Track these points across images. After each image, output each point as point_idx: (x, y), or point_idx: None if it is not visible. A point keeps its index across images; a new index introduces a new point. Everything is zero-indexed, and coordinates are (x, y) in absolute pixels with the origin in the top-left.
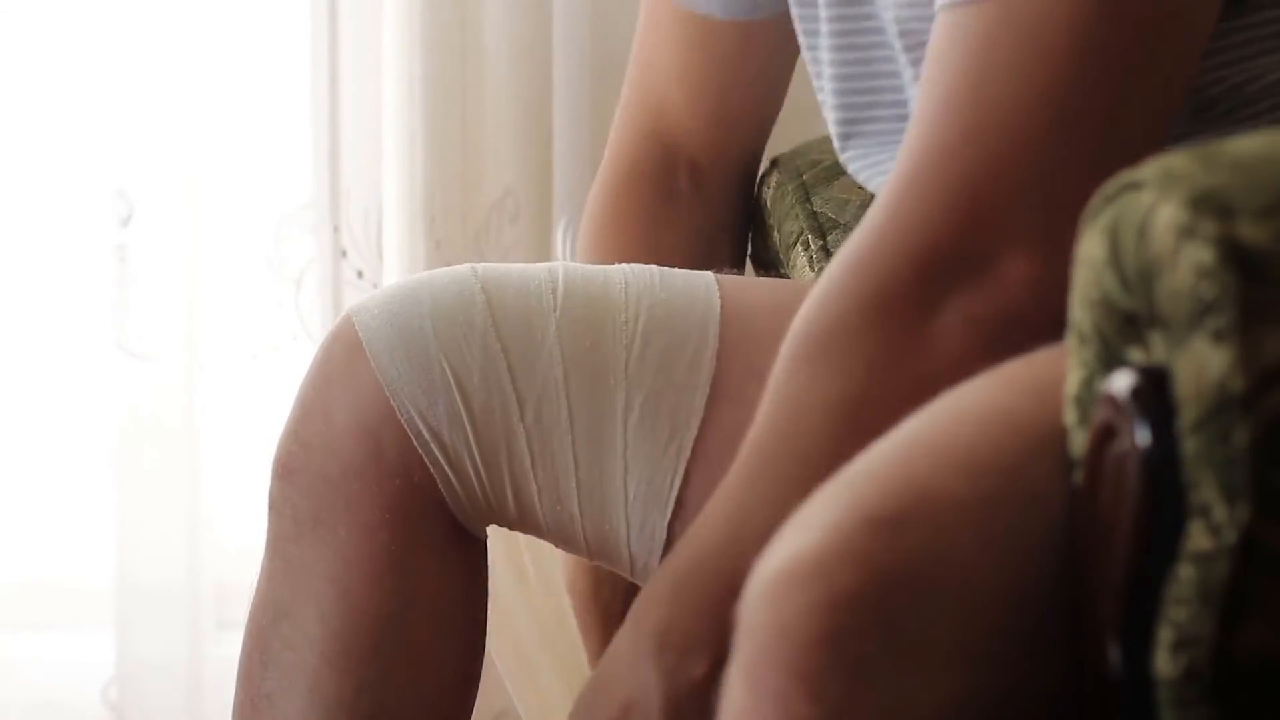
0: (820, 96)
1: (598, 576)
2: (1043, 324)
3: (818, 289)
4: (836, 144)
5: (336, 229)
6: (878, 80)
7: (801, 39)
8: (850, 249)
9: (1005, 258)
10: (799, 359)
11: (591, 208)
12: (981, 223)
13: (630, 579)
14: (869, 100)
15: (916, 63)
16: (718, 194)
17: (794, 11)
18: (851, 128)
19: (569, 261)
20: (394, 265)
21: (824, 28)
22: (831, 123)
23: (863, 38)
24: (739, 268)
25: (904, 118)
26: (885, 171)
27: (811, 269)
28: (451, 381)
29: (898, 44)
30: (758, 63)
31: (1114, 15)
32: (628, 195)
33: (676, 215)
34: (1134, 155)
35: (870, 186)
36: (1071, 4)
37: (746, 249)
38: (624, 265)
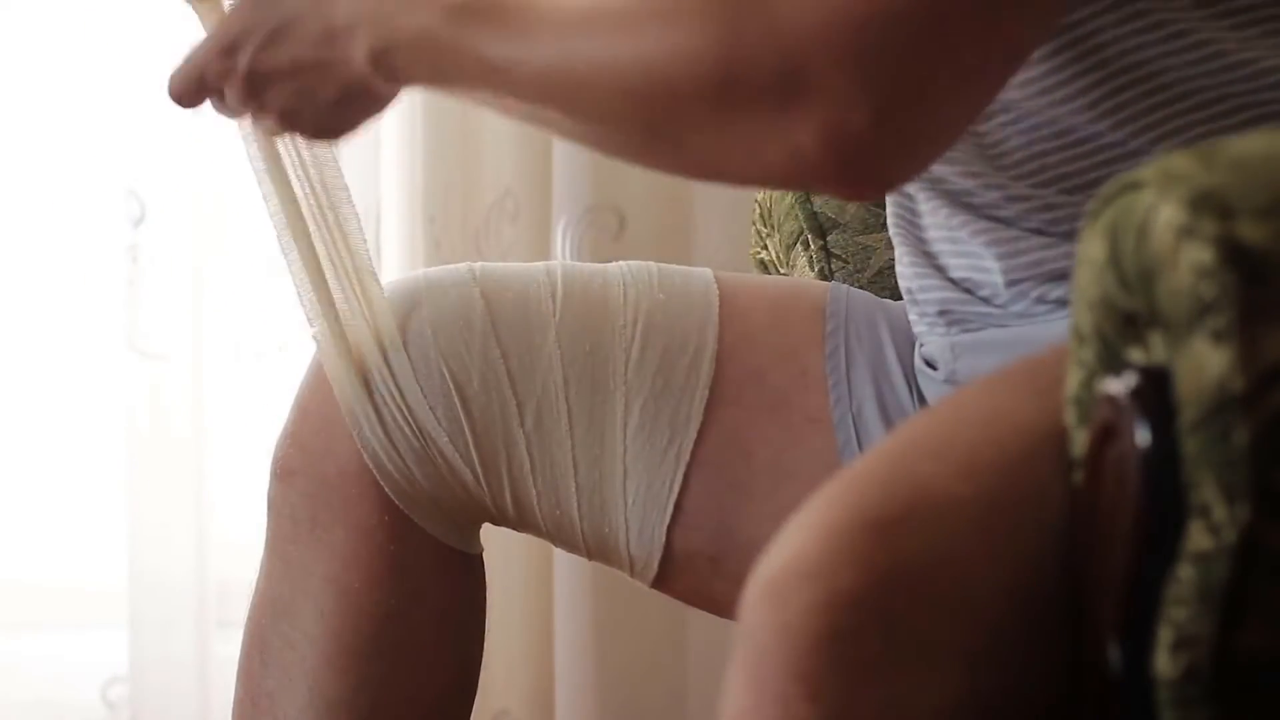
0: None
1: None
2: (846, 187)
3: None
4: None
5: None
6: None
7: None
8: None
9: (858, 105)
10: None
11: None
12: (854, 57)
13: (631, 578)
14: None
15: None
16: None
17: None
18: None
19: (568, 261)
20: (393, 264)
21: None
22: None
23: None
24: None
25: None
26: None
27: (811, 269)
28: (451, 386)
29: None
30: None
31: None
32: None
33: None
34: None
35: None
36: None
37: None
38: (622, 264)
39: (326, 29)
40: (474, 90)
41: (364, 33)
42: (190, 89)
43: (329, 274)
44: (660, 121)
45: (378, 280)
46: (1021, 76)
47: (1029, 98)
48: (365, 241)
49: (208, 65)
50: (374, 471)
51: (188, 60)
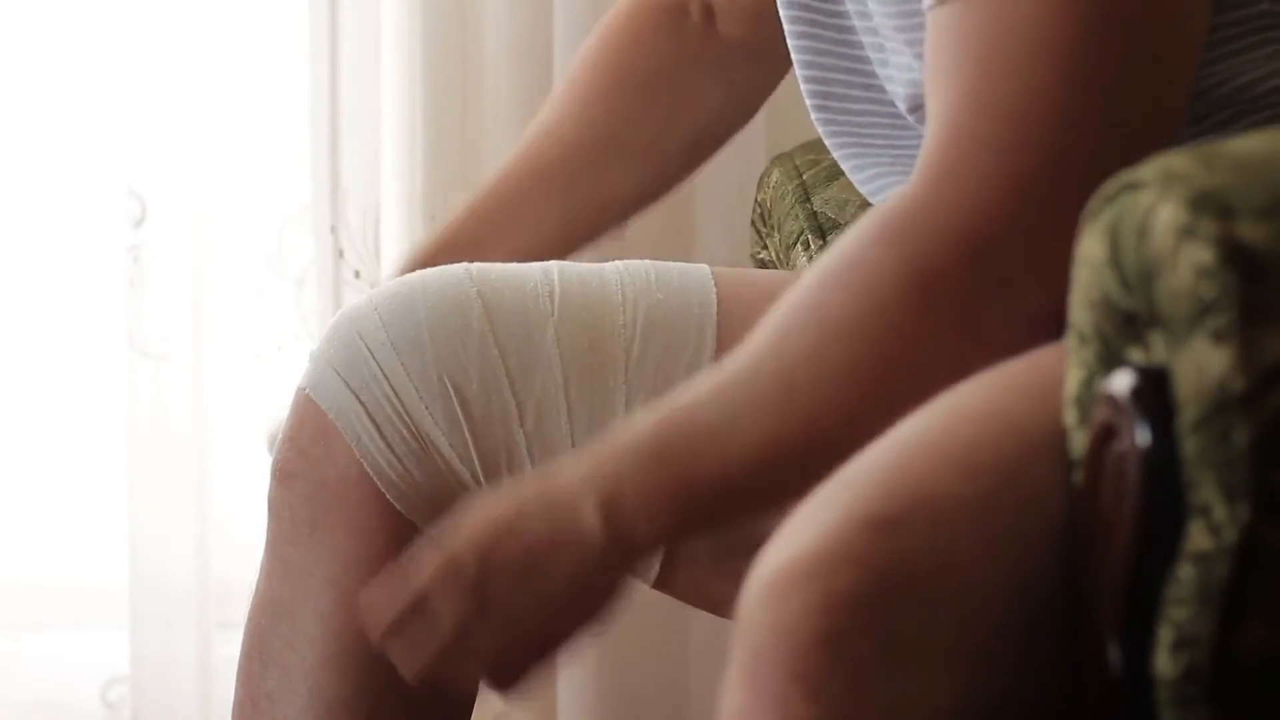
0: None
1: None
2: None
3: (829, 259)
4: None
5: (334, 229)
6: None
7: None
8: (876, 223)
9: (1054, 251)
10: (806, 320)
11: (595, 32)
12: (1033, 216)
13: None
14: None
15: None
16: (733, 37)
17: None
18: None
19: (565, 261)
20: (391, 264)
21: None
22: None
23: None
24: (715, 139)
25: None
26: (860, 154)
27: None
28: (449, 387)
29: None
30: None
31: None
32: (634, 14)
33: (682, 35)
34: (1163, 109)
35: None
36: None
37: (733, 128)
38: (618, 263)
39: (557, 500)
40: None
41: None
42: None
43: None
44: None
45: None
46: None
47: None
48: None
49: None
50: (373, 476)
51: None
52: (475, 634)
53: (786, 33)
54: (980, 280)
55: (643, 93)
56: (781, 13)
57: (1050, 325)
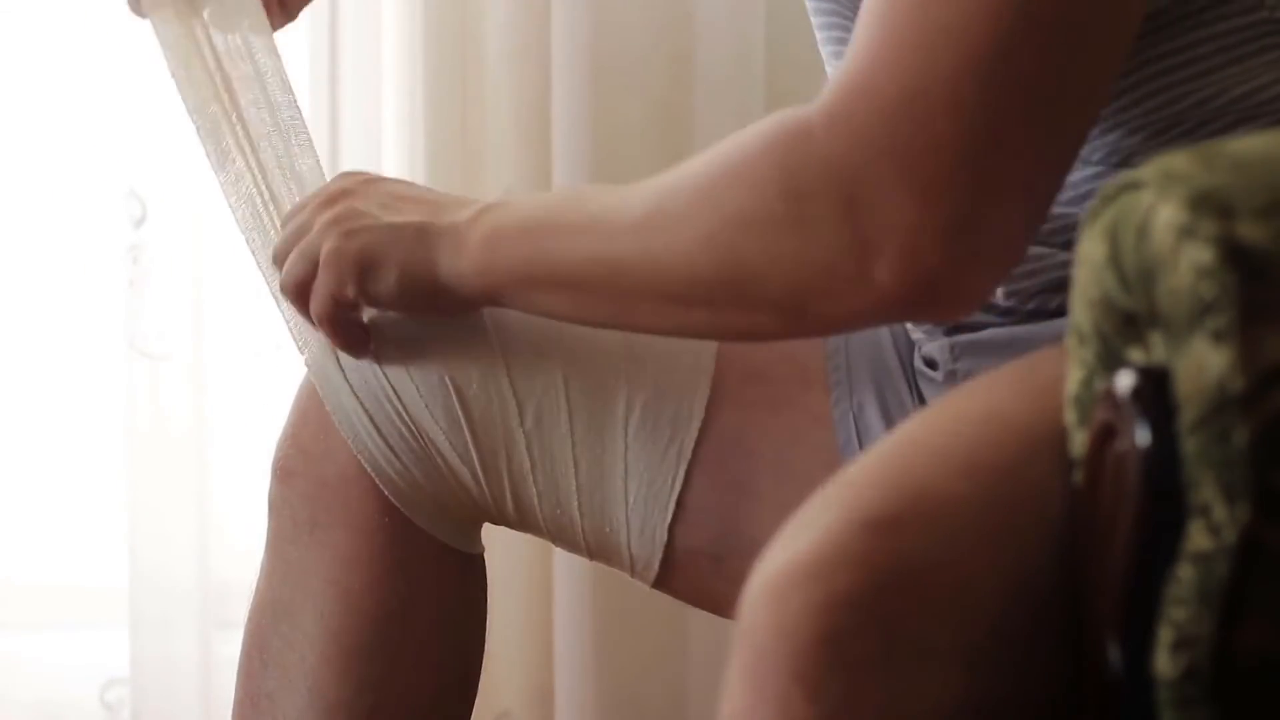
0: None
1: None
2: (939, 311)
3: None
4: None
5: None
6: None
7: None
8: (777, 130)
9: (925, 238)
10: (707, 162)
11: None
12: (904, 188)
13: (632, 578)
14: None
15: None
16: None
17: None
18: None
19: None
20: None
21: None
22: None
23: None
24: None
25: None
26: None
27: None
28: (450, 386)
29: None
30: None
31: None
32: None
33: None
34: (1069, 128)
35: None
36: None
37: None
38: None
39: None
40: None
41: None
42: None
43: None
44: (741, 290)
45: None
46: None
47: None
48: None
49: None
50: (372, 475)
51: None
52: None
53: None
54: (839, 226)
55: None
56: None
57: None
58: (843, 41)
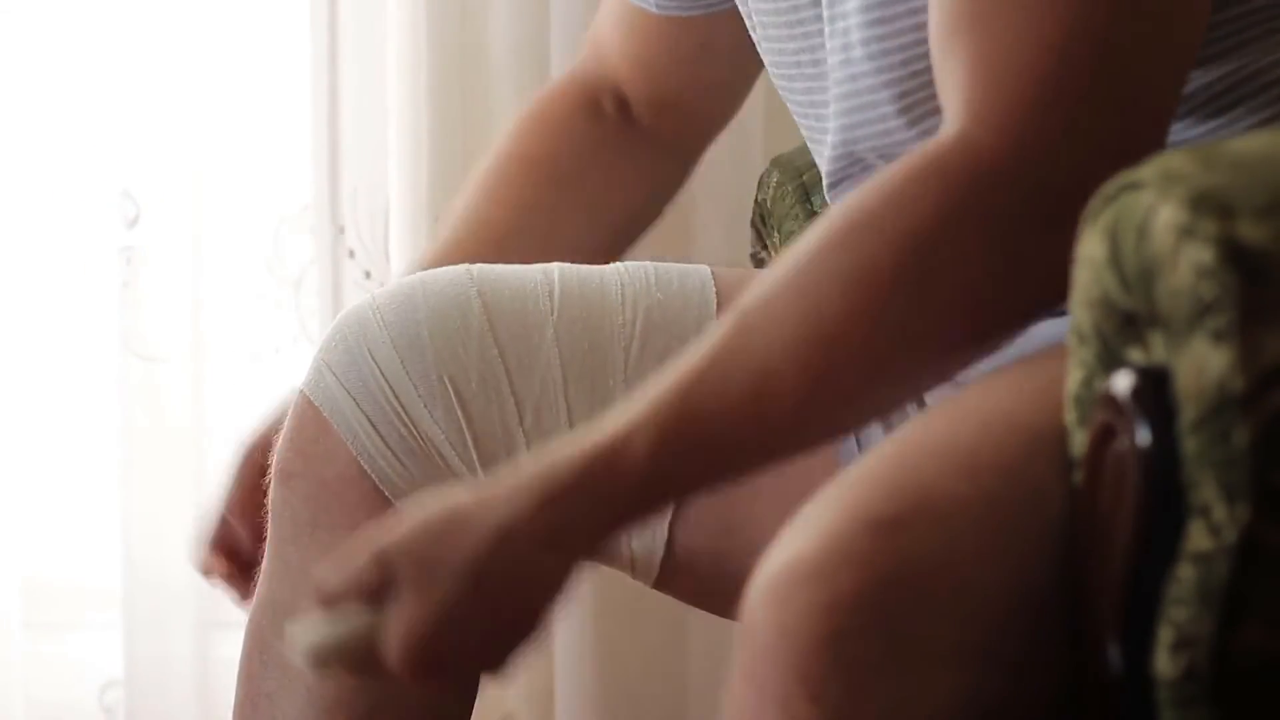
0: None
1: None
2: None
3: (850, 210)
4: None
5: (343, 230)
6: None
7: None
8: (912, 165)
9: (1094, 186)
10: (904, 281)
11: (512, 125)
12: (1079, 150)
13: (632, 578)
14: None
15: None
16: (647, 130)
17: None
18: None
19: (565, 263)
20: (399, 265)
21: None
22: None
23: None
24: (622, 237)
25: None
26: None
27: None
28: (449, 387)
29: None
30: (688, 45)
31: None
32: (551, 98)
33: (603, 134)
34: (1177, 46)
35: None
36: None
37: (642, 228)
38: (619, 265)
39: (521, 564)
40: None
41: (572, 540)
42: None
43: None
44: (950, 306)
45: None
46: None
47: None
48: None
49: (407, 676)
50: (372, 475)
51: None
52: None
53: (791, 103)
54: (1034, 215)
55: (558, 186)
56: (776, 75)
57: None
58: (807, 51)
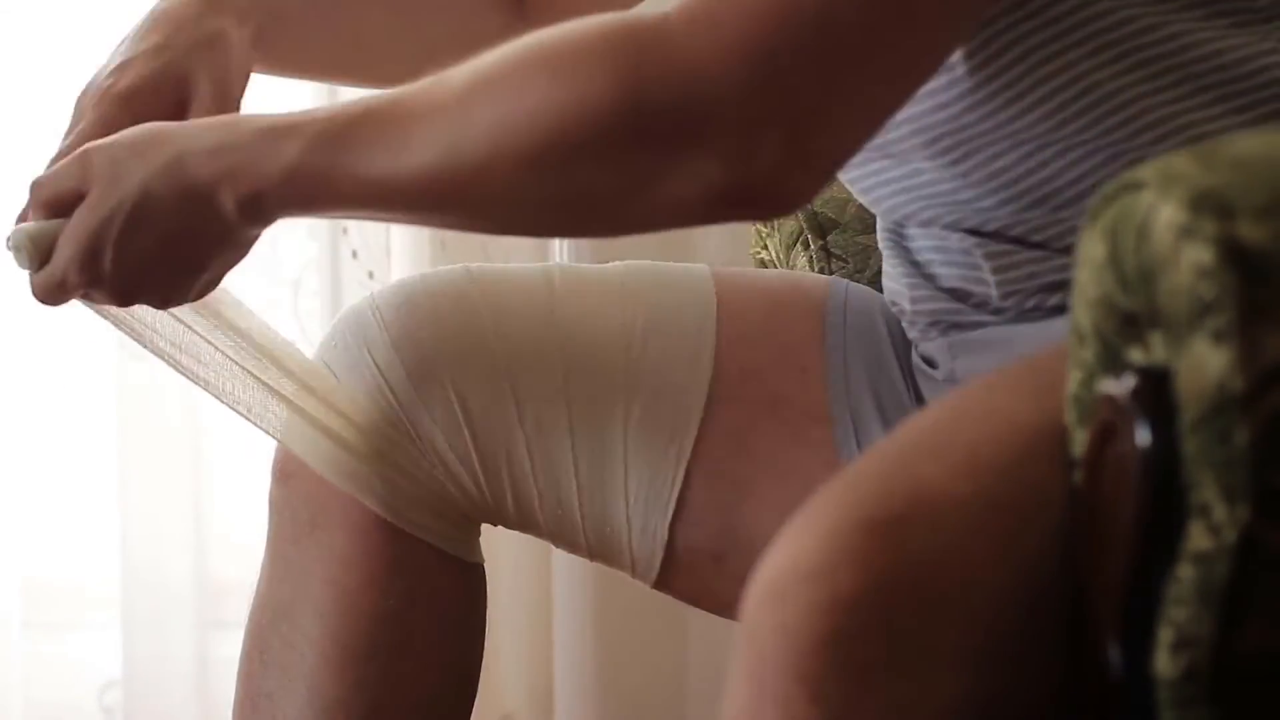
0: None
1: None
2: (761, 211)
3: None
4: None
5: (345, 230)
6: None
7: None
8: (609, 29)
9: (764, 133)
10: (522, 58)
11: None
12: (756, 88)
13: (632, 578)
14: None
15: None
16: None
17: None
18: None
19: (565, 263)
20: (400, 265)
21: None
22: None
23: None
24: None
25: None
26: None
27: (811, 269)
28: (449, 387)
29: None
30: None
31: None
32: None
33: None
34: (916, 63)
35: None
36: None
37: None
38: (619, 264)
39: (184, 194)
40: (360, 212)
41: (228, 188)
42: (54, 296)
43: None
44: (568, 183)
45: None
46: (971, 98)
47: (995, 124)
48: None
49: (69, 275)
50: (359, 497)
51: (48, 271)
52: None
53: None
54: (687, 132)
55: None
56: None
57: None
58: None
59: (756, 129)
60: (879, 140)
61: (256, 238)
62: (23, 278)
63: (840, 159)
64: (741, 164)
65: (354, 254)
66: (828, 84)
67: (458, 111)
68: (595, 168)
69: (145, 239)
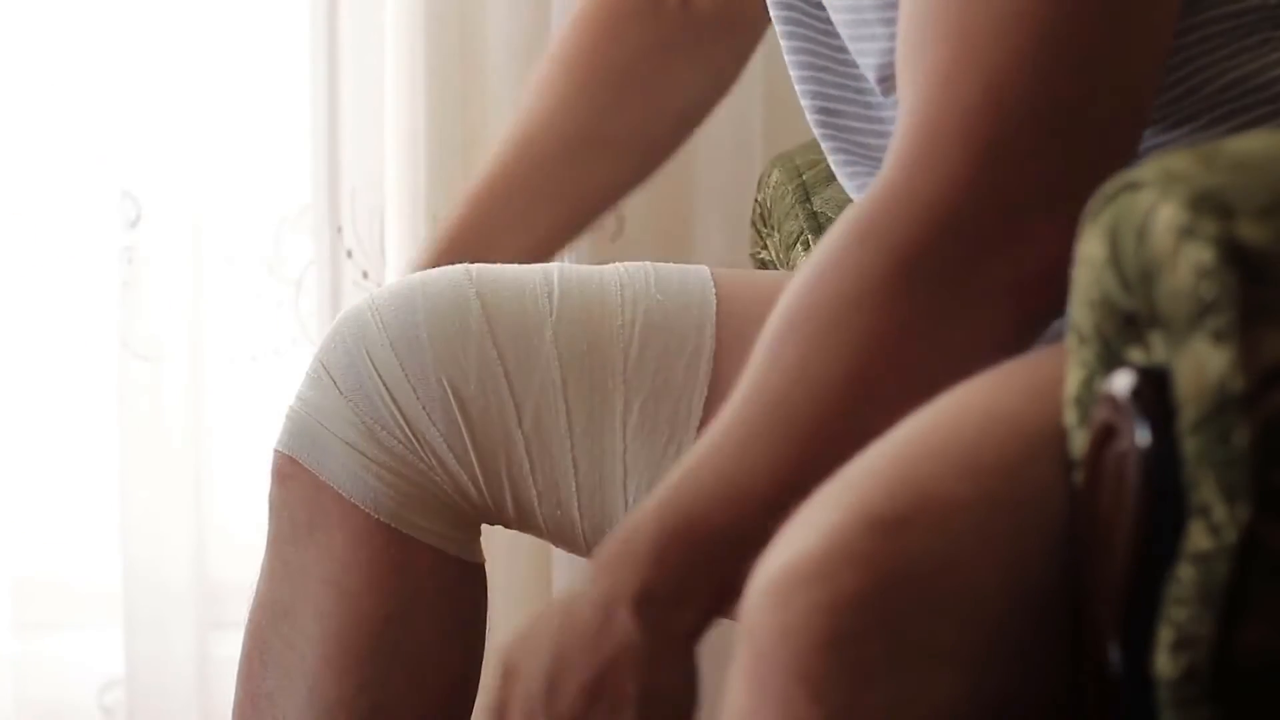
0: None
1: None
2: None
3: (830, 246)
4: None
5: (340, 230)
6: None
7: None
8: (860, 212)
9: (1033, 216)
10: (813, 325)
11: (569, 22)
12: (1000, 181)
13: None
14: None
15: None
16: (705, 22)
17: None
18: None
19: (565, 263)
20: (396, 266)
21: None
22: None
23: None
24: (696, 118)
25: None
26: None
27: None
28: (448, 388)
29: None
30: None
31: None
32: (606, 2)
33: (657, 22)
34: (1134, 91)
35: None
36: None
37: (714, 102)
38: (618, 265)
39: (593, 620)
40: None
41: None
42: None
43: None
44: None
45: None
46: None
47: None
48: None
49: None
50: (358, 503)
51: None
52: None
53: (784, 48)
54: (959, 253)
55: (620, 85)
56: (777, 27)
57: (1046, 292)
58: (807, 52)
59: (1026, 222)
60: (878, 142)
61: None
62: (22, 277)
63: (1119, 159)
64: (1038, 247)
65: (349, 253)
66: (1056, 157)
67: (816, 338)
68: (928, 342)
69: (567, 693)
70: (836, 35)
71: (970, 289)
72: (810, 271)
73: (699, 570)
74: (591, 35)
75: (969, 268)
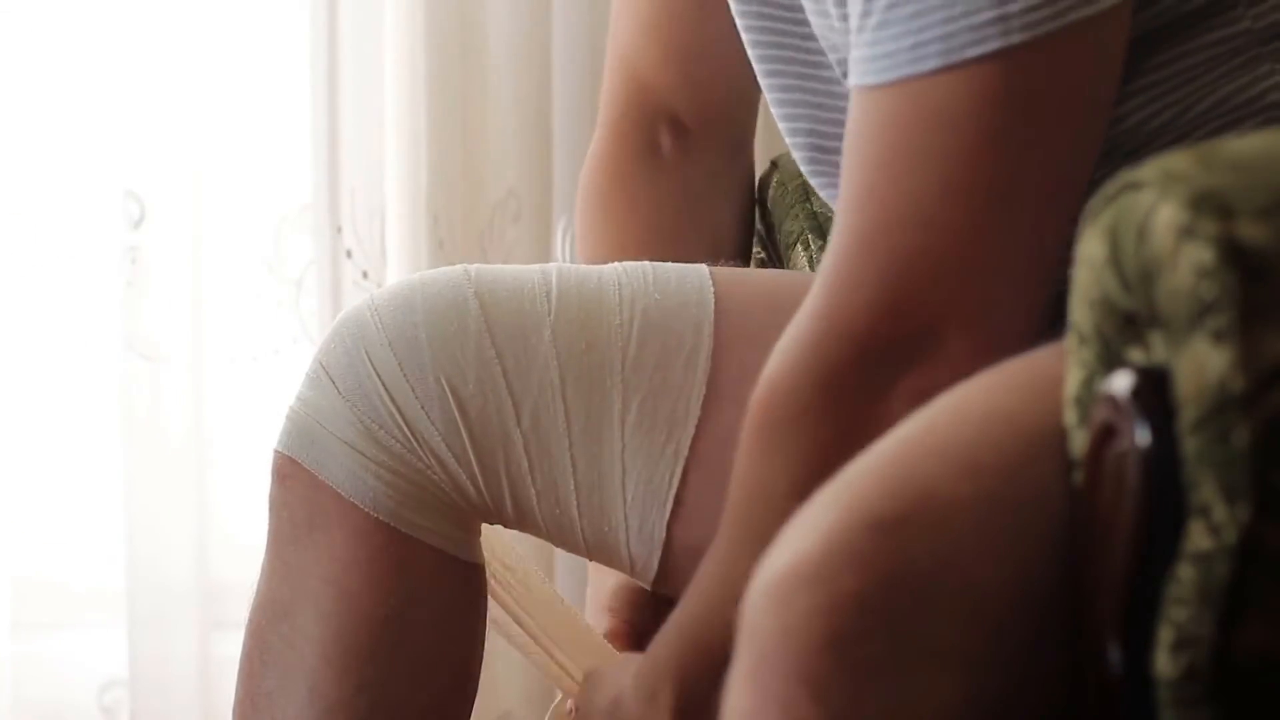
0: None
1: (632, 600)
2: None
3: (774, 364)
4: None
5: (340, 229)
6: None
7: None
8: (797, 328)
9: (942, 334)
10: (760, 442)
11: (583, 180)
12: (916, 305)
13: (630, 577)
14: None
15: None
16: (705, 153)
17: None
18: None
19: (564, 263)
20: (396, 265)
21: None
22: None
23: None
24: (741, 241)
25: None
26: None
27: (811, 269)
28: (446, 388)
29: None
30: (716, 26)
31: (1016, 98)
32: (614, 159)
33: (662, 174)
34: (1051, 222)
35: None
36: (975, 91)
37: (752, 224)
38: (617, 265)
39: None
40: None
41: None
42: None
43: None
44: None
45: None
46: None
47: None
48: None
49: None
50: (358, 503)
51: None
52: None
53: (770, 87)
54: (877, 376)
55: (651, 242)
56: (761, 69)
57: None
58: (798, 90)
59: (935, 340)
60: None
61: None
62: (25, 277)
63: (1022, 307)
64: (952, 365)
65: (349, 253)
66: (984, 260)
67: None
68: (855, 452)
69: None
70: (829, 66)
71: (889, 404)
72: (763, 386)
73: (709, 667)
74: (608, 204)
75: (886, 386)
